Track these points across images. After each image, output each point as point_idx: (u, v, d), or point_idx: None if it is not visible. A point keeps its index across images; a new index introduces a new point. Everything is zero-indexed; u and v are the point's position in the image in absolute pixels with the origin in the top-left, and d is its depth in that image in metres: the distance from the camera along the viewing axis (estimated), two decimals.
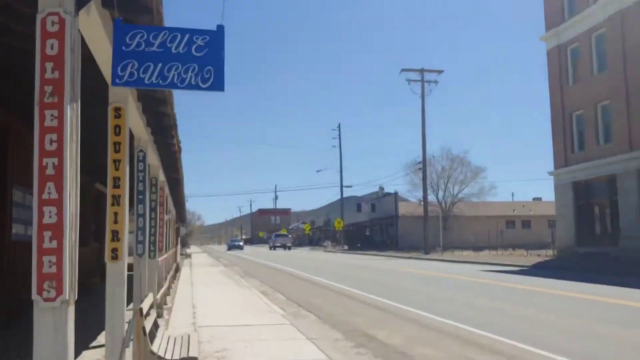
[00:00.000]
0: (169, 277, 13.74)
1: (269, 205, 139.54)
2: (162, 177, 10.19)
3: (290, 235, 78.67)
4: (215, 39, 3.85)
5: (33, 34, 3.13)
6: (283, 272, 25.61)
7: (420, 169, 45.35)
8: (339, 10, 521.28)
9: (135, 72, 3.67)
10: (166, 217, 11.98)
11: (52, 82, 3.08)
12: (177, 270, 25.03)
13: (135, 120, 6.08)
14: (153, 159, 8.19)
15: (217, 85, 3.81)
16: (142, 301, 5.54)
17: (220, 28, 3.89)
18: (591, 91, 28.45)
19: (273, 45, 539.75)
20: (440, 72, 45.58)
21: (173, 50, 3.71)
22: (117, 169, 4.97)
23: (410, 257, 38.86)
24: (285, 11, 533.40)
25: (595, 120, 28.51)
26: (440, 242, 46.48)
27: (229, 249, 73.68)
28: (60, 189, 3.02)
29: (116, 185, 4.96)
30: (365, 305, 12.55)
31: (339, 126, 66.94)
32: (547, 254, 33.28)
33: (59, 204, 3.00)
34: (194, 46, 3.76)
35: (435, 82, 45.28)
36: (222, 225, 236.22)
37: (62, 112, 3.07)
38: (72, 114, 3.13)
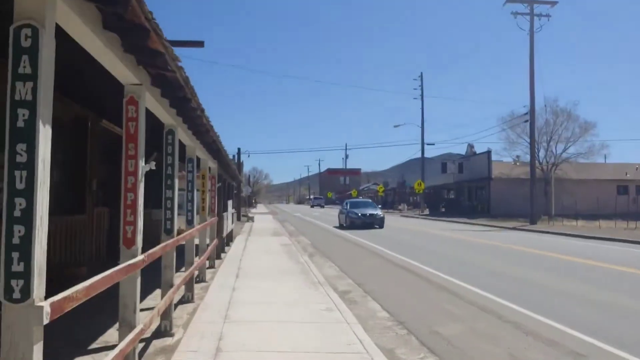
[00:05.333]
0: (191, 269, 7.92)
1: (339, 164, 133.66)
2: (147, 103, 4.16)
3: (322, 197, 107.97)
4: None
5: None
6: (365, 250, 19.49)
7: (526, 121, 37.55)
8: None
9: None
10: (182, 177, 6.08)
11: None
12: (229, 241, 19.47)
13: None
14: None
15: None
16: None
17: None
18: None
19: None
20: (553, 3, 37.36)
21: None
22: None
23: (515, 228, 31.82)
24: None
25: None
26: (552, 210, 38.75)
27: (312, 206, 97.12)
28: None
29: None
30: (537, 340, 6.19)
31: (421, 76, 59.31)
32: None
33: None
34: None
35: (548, 16, 37.26)
36: (291, 184, 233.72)
37: None
38: None
